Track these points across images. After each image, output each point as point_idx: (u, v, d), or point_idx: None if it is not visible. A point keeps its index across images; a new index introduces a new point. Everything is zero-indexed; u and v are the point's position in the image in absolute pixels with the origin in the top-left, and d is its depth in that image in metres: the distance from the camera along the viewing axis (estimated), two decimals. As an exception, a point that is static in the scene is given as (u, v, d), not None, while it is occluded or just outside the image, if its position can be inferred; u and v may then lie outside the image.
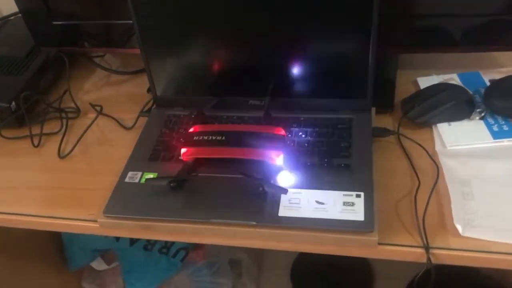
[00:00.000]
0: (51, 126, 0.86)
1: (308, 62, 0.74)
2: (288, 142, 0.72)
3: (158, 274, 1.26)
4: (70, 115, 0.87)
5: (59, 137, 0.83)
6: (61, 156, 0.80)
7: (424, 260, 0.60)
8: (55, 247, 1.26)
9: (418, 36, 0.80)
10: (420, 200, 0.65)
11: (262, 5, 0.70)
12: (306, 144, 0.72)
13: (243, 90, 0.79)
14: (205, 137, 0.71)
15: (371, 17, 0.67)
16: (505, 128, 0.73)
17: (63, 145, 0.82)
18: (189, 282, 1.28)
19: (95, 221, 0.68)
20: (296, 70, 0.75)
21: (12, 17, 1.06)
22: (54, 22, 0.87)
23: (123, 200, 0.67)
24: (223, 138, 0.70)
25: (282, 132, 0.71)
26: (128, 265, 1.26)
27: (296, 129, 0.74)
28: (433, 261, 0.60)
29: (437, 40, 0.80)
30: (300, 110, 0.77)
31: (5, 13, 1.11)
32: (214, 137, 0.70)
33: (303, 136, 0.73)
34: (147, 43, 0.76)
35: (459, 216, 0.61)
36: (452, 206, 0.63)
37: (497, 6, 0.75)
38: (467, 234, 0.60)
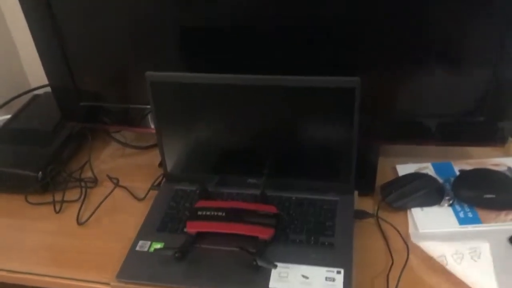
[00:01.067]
0: (71, 194, 0.97)
1: (300, 149, 0.85)
2: (280, 219, 0.82)
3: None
4: (88, 184, 0.98)
5: (78, 204, 0.94)
6: (80, 222, 0.90)
7: (394, 332, 0.69)
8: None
9: (398, 130, 0.92)
10: (392, 278, 0.74)
11: (263, 97, 0.83)
12: (295, 222, 0.82)
13: (242, 170, 0.90)
14: (208, 213, 0.81)
15: (353, 114, 0.79)
16: (470, 215, 0.83)
17: (81, 212, 0.93)
18: None
19: (107, 284, 0.77)
20: (289, 155, 0.86)
21: (41, 91, 1.19)
22: (82, 103, 1.00)
23: (134, 267, 0.77)
24: (223, 214, 0.81)
25: (275, 210, 0.81)
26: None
27: (287, 207, 0.85)
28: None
29: (414, 134, 0.92)
30: (291, 190, 0.88)
31: (34, 85, 1.25)
32: (215, 213, 0.81)
33: (293, 214, 0.84)
34: (162, 127, 0.88)
35: None
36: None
37: (465, 110, 0.87)
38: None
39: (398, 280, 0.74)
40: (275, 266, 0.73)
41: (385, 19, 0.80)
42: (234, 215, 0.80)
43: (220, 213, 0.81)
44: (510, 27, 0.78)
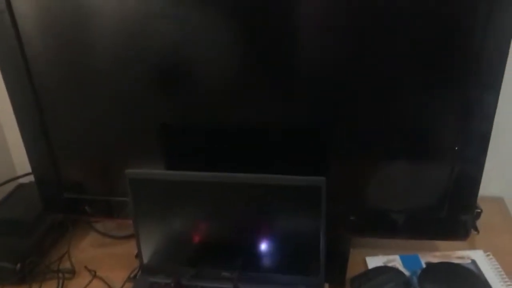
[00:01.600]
0: (48, 286, 0.98)
1: (270, 244, 0.89)
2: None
3: None
4: (66, 275, 1.00)
5: (54, 297, 0.96)
6: (55, 318, 0.91)
7: None
8: None
9: (367, 223, 0.97)
10: None
11: (236, 199, 0.88)
12: (266, 316, 0.84)
13: (217, 263, 0.93)
14: (180, 307, 0.84)
15: (320, 210, 0.84)
16: (435, 309, 0.86)
17: (57, 305, 0.94)
18: None
19: None
20: (261, 249, 0.90)
21: (26, 179, 1.23)
22: (66, 195, 1.04)
23: None
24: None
25: (246, 305, 0.84)
26: None
27: (259, 302, 0.88)
28: None
29: (383, 228, 0.96)
30: (263, 283, 0.90)
31: (20, 173, 1.29)
32: (187, 308, 0.83)
33: (265, 311, 0.86)
34: (139, 219, 0.92)
35: None
36: None
37: (428, 205, 0.92)
38: None
39: None
40: None
41: (351, 118, 0.87)
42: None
43: (191, 309, 0.83)
44: (467, 125, 0.84)
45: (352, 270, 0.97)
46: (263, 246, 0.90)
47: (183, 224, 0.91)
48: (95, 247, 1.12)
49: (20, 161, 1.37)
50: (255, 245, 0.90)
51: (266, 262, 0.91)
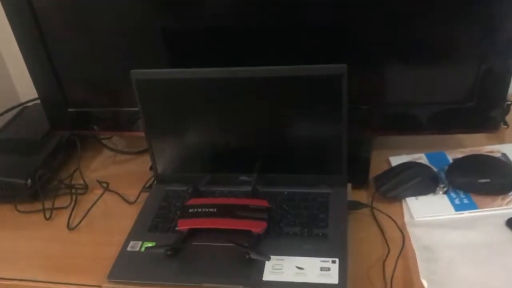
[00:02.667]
0: (62, 201, 0.96)
1: (290, 143, 0.85)
2: (272, 213, 0.81)
3: None
4: (79, 191, 0.97)
5: (68, 210, 0.93)
6: (70, 228, 0.89)
7: (393, 320, 0.68)
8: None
9: (390, 120, 0.92)
10: (389, 265, 0.73)
11: (251, 96, 0.82)
12: (288, 216, 0.81)
13: (233, 168, 0.89)
14: (199, 210, 0.80)
15: (341, 103, 0.78)
16: (465, 201, 0.82)
17: (72, 218, 0.91)
18: None
19: (99, 286, 0.76)
20: (280, 150, 0.85)
21: (29, 103, 1.18)
22: (70, 110, 0.99)
23: (125, 267, 0.75)
24: (215, 210, 0.79)
25: (266, 204, 0.80)
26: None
27: (280, 202, 0.84)
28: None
29: (407, 125, 0.91)
30: (283, 185, 0.86)
31: (22, 99, 1.25)
32: (206, 210, 0.80)
33: (286, 208, 0.82)
34: (150, 127, 0.88)
35: (424, 274, 0.69)
36: (419, 267, 0.71)
37: (457, 97, 0.86)
38: (431, 288, 0.68)
39: (394, 268, 0.72)
40: (269, 258, 0.71)
41: (373, 12, 0.80)
42: (226, 211, 0.79)
43: (211, 210, 0.79)
44: (495, 17, 0.78)
45: (376, 171, 0.93)
46: (282, 147, 0.85)
47: (197, 128, 0.87)
48: (107, 165, 1.08)
49: (24, 90, 1.32)
50: (274, 146, 0.85)
51: (286, 163, 0.86)
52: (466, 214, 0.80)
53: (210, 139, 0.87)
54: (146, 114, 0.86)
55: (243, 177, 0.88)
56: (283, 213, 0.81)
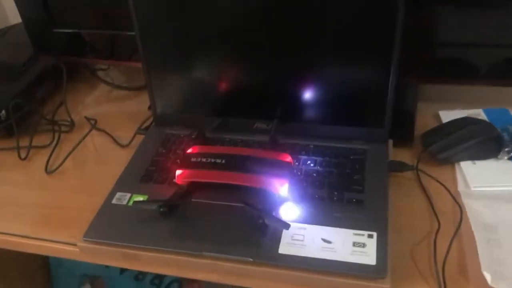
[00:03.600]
0: (42, 139, 0.80)
1: (321, 85, 0.68)
2: (295, 170, 0.65)
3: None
4: (63, 128, 0.82)
5: (48, 151, 0.78)
6: (48, 171, 0.74)
7: (441, 314, 0.52)
8: (42, 272, 1.18)
9: (441, 66, 0.74)
10: (439, 245, 0.57)
11: (276, 24, 0.65)
12: (314, 174, 0.65)
13: (248, 112, 0.72)
14: (204, 159, 0.64)
15: (393, 43, 0.61)
16: (537, 171, 0.65)
17: (52, 159, 0.76)
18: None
19: (74, 244, 0.61)
20: (307, 93, 0.68)
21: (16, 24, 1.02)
22: (55, 30, 0.82)
23: (107, 224, 0.61)
24: (223, 161, 0.64)
25: (289, 159, 0.64)
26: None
27: (304, 157, 0.68)
28: (452, 315, 0.52)
29: (461, 71, 0.74)
30: (309, 137, 0.70)
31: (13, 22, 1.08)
32: (213, 160, 0.64)
33: (312, 165, 0.66)
34: (150, 56, 0.71)
35: (486, 263, 0.54)
36: (480, 255, 0.55)
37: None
38: (495, 285, 0.52)
39: (448, 250, 0.56)
40: (288, 226, 0.55)
41: None
42: (237, 163, 0.63)
43: (218, 160, 0.64)
44: None
45: (422, 126, 0.76)
46: (310, 89, 0.68)
47: (206, 60, 0.70)
48: (101, 102, 0.93)
49: (13, 11, 1.15)
50: (299, 88, 0.68)
51: (313, 109, 0.70)
52: (536, 186, 0.64)
53: (222, 75, 0.71)
54: (145, 39, 0.70)
55: (260, 124, 0.72)
56: (308, 171, 0.65)
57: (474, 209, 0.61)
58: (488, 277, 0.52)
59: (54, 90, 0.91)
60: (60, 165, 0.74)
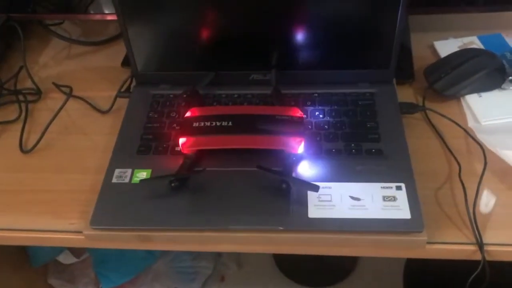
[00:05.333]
0: (7, 113, 0.71)
1: (321, 26, 0.62)
2: (306, 125, 0.61)
3: (135, 264, 1.14)
4: (29, 98, 0.72)
5: (17, 126, 0.68)
6: (24, 150, 0.65)
7: (477, 257, 0.52)
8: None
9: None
10: (466, 187, 0.56)
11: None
12: (326, 126, 0.61)
13: (243, 63, 0.66)
14: (207, 123, 0.59)
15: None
16: (543, 97, 0.65)
17: (25, 136, 0.67)
18: (169, 270, 1.17)
19: (79, 232, 0.55)
20: (306, 36, 0.63)
21: None
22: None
23: (113, 207, 0.55)
24: (230, 123, 0.58)
25: (300, 113, 0.60)
26: (100, 256, 1.14)
27: (311, 108, 0.64)
28: (487, 258, 0.52)
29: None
30: (312, 85, 0.66)
31: None
32: (218, 123, 0.58)
33: (321, 116, 0.62)
34: (126, 4, 0.62)
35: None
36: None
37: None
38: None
39: (477, 194, 0.55)
40: (317, 188, 0.52)
41: None
42: (245, 124, 0.58)
43: (225, 123, 0.58)
44: None
45: (418, 60, 0.73)
46: (307, 32, 0.63)
47: (191, 9, 0.62)
48: (60, 60, 0.82)
49: None
50: (296, 32, 0.63)
51: (312, 55, 0.65)
52: (545, 114, 0.64)
53: (209, 22, 0.63)
54: (119, -11, 0.60)
55: (257, 75, 0.66)
56: (318, 124, 0.61)
57: (489, 145, 0.60)
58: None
59: (6, 52, 0.80)
60: (38, 141, 0.66)
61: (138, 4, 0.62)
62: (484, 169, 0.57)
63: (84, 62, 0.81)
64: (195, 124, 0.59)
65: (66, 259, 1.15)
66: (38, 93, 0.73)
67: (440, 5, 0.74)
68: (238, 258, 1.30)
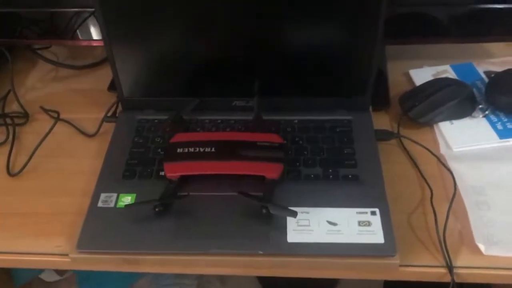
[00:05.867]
0: (-7, 136, 0.72)
1: (300, 55, 0.65)
2: (286, 150, 0.63)
3: (119, 282, 1.15)
4: (16, 121, 0.74)
5: (5, 149, 0.70)
6: (12, 173, 0.67)
7: (447, 279, 0.55)
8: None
9: (406, 25, 0.74)
10: (436, 212, 0.59)
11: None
12: (305, 152, 0.64)
13: (226, 90, 0.69)
14: (191, 149, 0.61)
15: (379, 5, 0.59)
16: (510, 126, 0.68)
17: (12, 159, 0.69)
18: (152, 287, 1.18)
19: (65, 255, 0.57)
20: (286, 66, 0.66)
21: None
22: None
23: (99, 230, 0.57)
24: (213, 149, 0.61)
25: (280, 140, 0.62)
26: (84, 274, 1.14)
27: (291, 134, 0.66)
28: (457, 280, 0.55)
29: (427, 30, 0.74)
30: (291, 111, 0.68)
31: None
32: (201, 149, 0.61)
33: (300, 142, 0.65)
34: (112, 31, 0.63)
35: (479, 232, 0.56)
36: (471, 222, 0.57)
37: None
38: (490, 252, 0.55)
39: (447, 218, 0.58)
40: (295, 214, 0.55)
41: None
42: (228, 150, 0.61)
43: (208, 149, 0.61)
44: None
45: (394, 87, 0.76)
46: (287, 62, 0.66)
47: (176, 37, 0.65)
48: (47, 82, 0.84)
49: None
50: (276, 61, 0.66)
51: (292, 83, 0.68)
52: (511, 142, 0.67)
53: (194, 50, 0.66)
54: (107, 20, 0.62)
55: (239, 101, 0.69)
56: (298, 149, 0.64)
57: (459, 172, 0.64)
58: (482, 248, 0.55)
59: (-8, 75, 0.82)
60: (25, 165, 0.67)
61: (125, 32, 0.64)
62: (454, 195, 0.60)
63: (71, 85, 0.83)
64: (179, 150, 0.61)
65: (49, 277, 1.15)
66: (25, 116, 0.75)
67: (416, 37, 0.77)
68: (221, 276, 1.31)
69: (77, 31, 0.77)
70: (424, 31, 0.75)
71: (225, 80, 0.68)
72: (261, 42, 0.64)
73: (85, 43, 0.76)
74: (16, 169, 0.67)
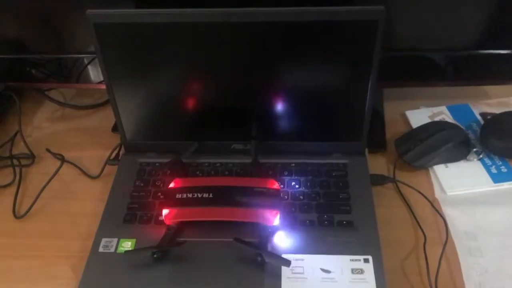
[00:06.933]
0: (1, 177, 0.75)
1: (296, 101, 0.67)
2: (282, 195, 0.65)
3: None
4: (23, 162, 0.76)
5: (12, 189, 0.72)
6: (18, 216, 0.69)
7: (439, 328, 0.56)
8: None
9: (404, 68, 0.76)
10: (429, 258, 0.60)
11: (247, 38, 0.62)
12: (301, 197, 0.65)
13: (225, 134, 0.71)
14: (189, 195, 0.63)
15: (371, 58, 0.61)
16: (504, 170, 0.70)
17: (18, 201, 0.71)
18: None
19: (66, 300, 0.59)
20: (283, 111, 0.68)
21: None
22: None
23: (99, 277, 0.58)
24: (211, 195, 0.62)
25: (276, 186, 0.64)
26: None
27: (288, 177, 0.68)
28: (449, 329, 0.56)
29: (423, 74, 0.76)
30: (288, 154, 0.70)
31: None
32: (200, 195, 0.62)
33: (297, 186, 0.67)
34: (114, 80, 0.66)
35: (471, 280, 0.57)
36: (462, 270, 0.59)
37: (483, 40, 0.71)
38: (482, 304, 0.56)
39: (439, 266, 0.59)
40: (289, 263, 0.56)
41: None
42: (225, 196, 0.62)
43: (206, 195, 0.62)
44: None
45: (390, 128, 0.78)
46: (285, 107, 0.67)
47: (175, 82, 0.67)
48: (54, 122, 0.86)
49: None
50: (274, 107, 0.67)
51: (289, 127, 0.69)
52: (506, 185, 0.68)
53: (193, 96, 0.68)
54: (108, 66, 0.65)
55: (238, 145, 0.71)
56: (294, 194, 0.66)
57: (453, 217, 0.65)
58: (472, 293, 0.56)
59: (2, 118, 0.84)
60: (30, 207, 0.69)
61: (126, 77, 0.66)
62: (446, 241, 0.61)
63: (76, 125, 0.85)
64: (178, 196, 0.63)
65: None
66: (31, 157, 0.77)
67: (412, 80, 0.78)
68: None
69: (83, 73, 0.80)
70: (421, 74, 0.76)
71: (224, 124, 0.70)
72: (259, 89, 0.66)
73: (91, 86, 0.79)
74: (22, 211, 0.69)
